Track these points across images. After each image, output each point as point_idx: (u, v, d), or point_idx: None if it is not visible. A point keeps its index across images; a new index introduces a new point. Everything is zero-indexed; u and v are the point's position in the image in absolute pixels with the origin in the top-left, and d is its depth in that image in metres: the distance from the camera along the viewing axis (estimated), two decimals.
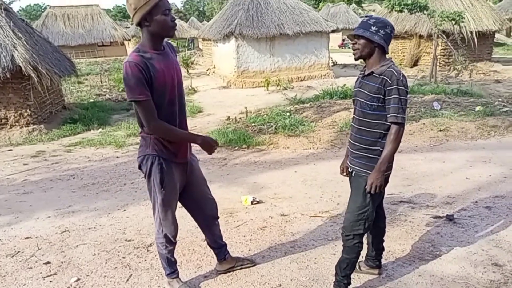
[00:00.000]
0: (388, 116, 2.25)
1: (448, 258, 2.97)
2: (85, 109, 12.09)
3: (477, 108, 7.83)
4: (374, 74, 2.29)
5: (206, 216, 2.69)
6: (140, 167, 2.40)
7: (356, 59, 2.43)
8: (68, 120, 10.55)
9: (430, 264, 2.91)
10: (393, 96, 2.22)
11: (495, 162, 5.26)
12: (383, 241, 2.75)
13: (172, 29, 2.24)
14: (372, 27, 2.24)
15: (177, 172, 2.41)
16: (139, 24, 2.19)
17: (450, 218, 3.60)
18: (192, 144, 2.52)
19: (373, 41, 2.24)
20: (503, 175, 4.76)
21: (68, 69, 11.10)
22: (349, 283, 2.51)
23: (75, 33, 28.52)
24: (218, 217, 2.76)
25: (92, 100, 13.87)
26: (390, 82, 2.22)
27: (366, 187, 2.31)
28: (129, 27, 39.44)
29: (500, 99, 9.17)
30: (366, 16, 2.33)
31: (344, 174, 2.66)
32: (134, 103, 2.20)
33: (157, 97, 2.22)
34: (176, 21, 2.37)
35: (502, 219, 3.57)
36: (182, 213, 2.81)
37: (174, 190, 2.43)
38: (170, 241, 2.53)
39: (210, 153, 2.43)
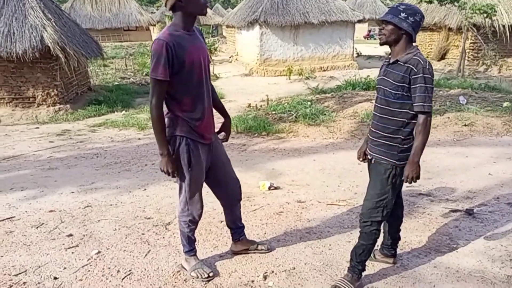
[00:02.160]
0: (414, 105, 2.23)
1: (465, 252, 2.94)
2: (110, 91, 12.33)
3: (505, 104, 7.61)
4: (399, 62, 2.27)
5: (229, 197, 2.74)
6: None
7: (381, 44, 2.39)
8: (93, 101, 10.79)
9: (446, 256, 2.89)
10: (419, 84, 2.19)
11: None
12: (399, 230, 2.75)
13: (204, 7, 2.30)
14: (401, 13, 2.21)
15: (203, 153, 2.46)
16: (172, 6, 2.23)
17: (469, 213, 3.54)
18: (214, 125, 2.57)
19: (401, 27, 2.21)
20: None
21: (95, 51, 11.31)
22: (364, 270, 2.52)
23: (102, 16, 28.86)
24: (240, 199, 2.80)
25: (116, 83, 14.10)
26: (416, 70, 2.19)
27: (390, 176, 2.32)
28: (154, 13, 39.70)
29: None
30: (397, 4, 2.29)
31: (361, 159, 2.66)
32: (150, 79, 2.26)
33: (185, 74, 2.27)
34: None
35: None
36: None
37: (201, 170, 2.48)
38: (194, 220, 2.58)
39: (161, 170, 2.38)
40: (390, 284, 2.58)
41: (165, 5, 2.28)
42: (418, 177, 2.28)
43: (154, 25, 31.19)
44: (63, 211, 3.83)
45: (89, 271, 2.77)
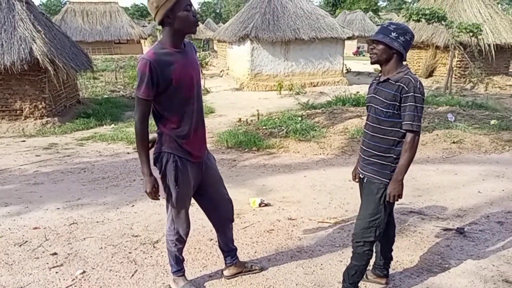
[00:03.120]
0: (403, 123, 2.23)
1: (457, 272, 2.92)
2: (99, 104, 12.23)
3: (492, 122, 7.72)
4: (390, 81, 2.27)
5: (221, 217, 2.67)
6: (154, 164, 2.39)
7: (372, 63, 2.40)
8: (81, 114, 10.68)
9: (438, 276, 2.86)
10: (409, 103, 2.19)
11: (509, 177, 5.16)
12: (391, 250, 2.72)
13: (194, 25, 2.25)
14: (392, 33, 2.22)
15: (192, 170, 2.41)
16: (161, 22, 2.19)
17: (460, 231, 3.54)
18: (207, 143, 2.53)
19: (392, 47, 2.22)
20: None
21: (84, 64, 11.25)
22: (378, 275, 2.48)
23: (92, 29, 28.88)
24: (233, 220, 2.73)
25: (106, 96, 14.02)
26: (407, 89, 2.19)
27: (382, 195, 2.30)
28: (146, 26, 39.87)
29: None
30: (387, 23, 2.31)
31: (357, 180, 2.63)
32: (136, 97, 2.24)
33: (172, 93, 2.22)
34: None
35: None
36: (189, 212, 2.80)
37: (188, 188, 2.43)
38: (181, 239, 2.52)
39: (146, 191, 2.33)
40: None
41: (154, 19, 2.25)
42: (400, 196, 2.27)
43: (145, 38, 31.30)
44: (48, 228, 3.72)
45: None
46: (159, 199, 2.41)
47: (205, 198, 2.59)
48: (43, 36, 9.43)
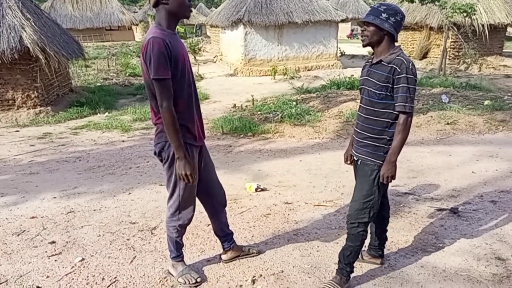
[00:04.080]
0: (396, 105, 2.23)
1: (451, 251, 2.97)
2: (92, 92, 12.11)
3: (486, 102, 7.76)
4: (382, 63, 2.26)
5: (214, 202, 2.69)
6: (159, 154, 2.35)
7: (364, 46, 2.39)
8: (75, 103, 10.57)
9: (432, 255, 2.91)
10: (401, 84, 2.19)
11: (502, 157, 5.22)
12: (386, 231, 2.76)
13: (188, 9, 2.24)
14: (382, 14, 2.20)
15: (196, 155, 2.42)
16: (156, 3, 2.17)
17: (454, 211, 3.59)
18: (203, 126, 2.54)
19: (382, 28, 2.21)
20: (509, 170, 4.73)
21: (76, 52, 11.07)
22: (352, 271, 2.52)
23: (83, 16, 28.36)
24: (225, 205, 2.75)
25: (99, 84, 13.87)
26: (399, 70, 2.19)
27: (376, 177, 2.31)
28: (137, 12, 39.23)
29: (509, 94, 9.07)
30: (377, 4, 2.29)
31: (348, 162, 2.65)
32: (154, 82, 2.14)
33: (179, 75, 2.22)
34: None
35: (506, 213, 3.56)
36: None
37: (196, 173, 2.41)
38: (183, 225, 2.53)
39: (179, 175, 2.27)
40: (378, 285, 2.59)
41: (149, 1, 2.22)
42: (393, 177, 2.29)
43: (137, 25, 30.82)
44: (45, 217, 3.73)
45: (73, 279, 2.70)
46: (195, 183, 2.38)
47: (199, 183, 2.60)
48: (33, 24, 9.25)
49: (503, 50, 17.74)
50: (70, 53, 10.46)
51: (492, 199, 3.88)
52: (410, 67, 2.19)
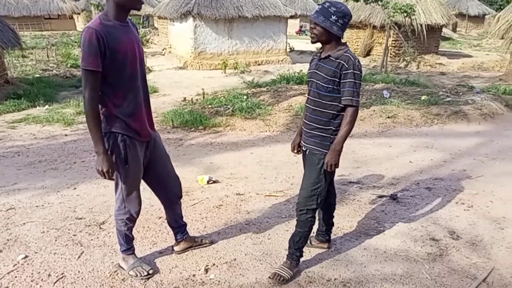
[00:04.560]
0: (343, 98, 2.35)
1: (391, 234, 3.20)
2: (30, 84, 11.36)
3: (423, 98, 8.30)
4: (331, 58, 2.37)
5: (169, 194, 2.68)
6: None
7: (312, 43, 2.49)
8: (11, 95, 9.87)
9: (374, 239, 3.11)
10: (348, 80, 2.31)
11: (437, 148, 5.64)
12: (333, 217, 2.91)
13: (138, 2, 2.20)
14: (332, 16, 2.28)
15: (140, 149, 2.38)
16: None
17: (394, 198, 3.85)
18: (153, 121, 2.51)
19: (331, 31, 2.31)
20: (443, 159, 5.13)
21: (11, 40, 10.33)
22: (301, 256, 2.64)
23: (18, 3, 26.43)
24: (181, 196, 2.75)
25: (37, 75, 13.04)
26: (347, 66, 2.31)
27: (323, 165, 2.42)
28: (78, 0, 37.24)
29: (443, 90, 9.76)
30: (326, 2, 2.36)
31: (295, 152, 2.76)
32: (81, 71, 2.13)
33: (117, 68, 2.17)
34: None
35: (440, 198, 3.88)
36: None
37: (139, 167, 2.41)
38: (131, 218, 2.51)
39: (97, 170, 2.23)
40: (326, 267, 2.73)
41: None
42: (337, 165, 2.41)
43: (79, 14, 29.28)
44: None
45: (16, 277, 2.58)
46: (113, 179, 2.34)
47: (153, 176, 2.59)
48: None
49: (439, 49, 19.01)
50: (5, 42, 9.76)
51: (428, 186, 4.20)
52: (357, 64, 2.32)
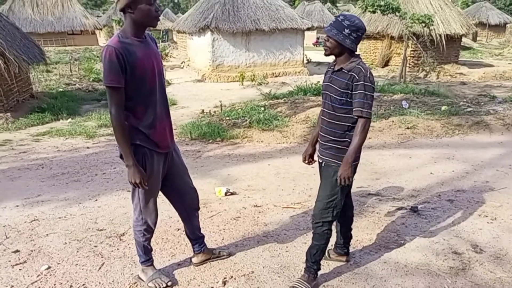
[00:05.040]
0: (353, 109, 2.35)
1: (411, 247, 3.14)
2: (54, 98, 11.72)
3: (443, 108, 8.17)
4: (343, 70, 2.38)
5: (187, 206, 2.71)
6: (121, 156, 2.37)
7: (326, 55, 2.51)
8: (36, 109, 10.20)
9: (394, 252, 3.06)
10: (359, 91, 2.32)
11: (458, 159, 5.53)
12: (351, 229, 2.88)
13: (155, 20, 2.26)
14: (345, 29, 2.30)
15: (159, 161, 2.43)
16: (122, 10, 2.19)
17: (414, 210, 3.78)
18: (173, 133, 2.56)
19: (344, 44, 2.33)
20: (465, 171, 5.03)
21: (37, 56, 10.71)
22: (319, 269, 2.62)
23: (43, 20, 27.42)
24: (198, 208, 2.79)
25: (61, 89, 13.44)
26: (358, 78, 2.31)
27: (336, 178, 2.41)
28: (100, 16, 38.38)
29: (464, 100, 9.60)
30: (340, 15, 2.38)
31: (306, 162, 2.77)
32: (106, 88, 2.21)
33: (137, 83, 2.23)
34: None
35: (462, 211, 3.79)
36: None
37: (157, 178, 2.45)
38: (149, 229, 2.54)
39: (130, 182, 2.31)
40: (344, 281, 2.70)
41: (116, 5, 2.24)
42: (349, 178, 2.37)
43: (101, 29, 30.16)
44: (7, 226, 3.60)
45: (39, 287, 2.63)
46: (146, 188, 2.39)
47: (171, 188, 2.63)
48: None
49: (459, 59, 18.73)
50: (31, 58, 10.11)
51: (449, 198, 4.12)
52: (368, 75, 2.32)
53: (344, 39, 2.31)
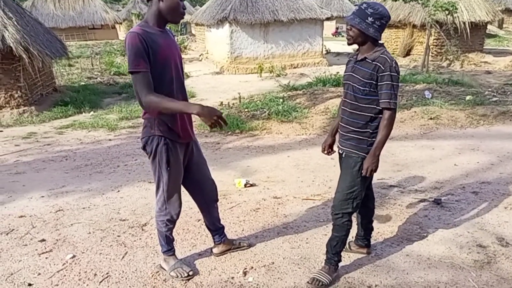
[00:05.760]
0: (380, 101, 2.30)
1: (434, 240, 3.07)
2: (76, 92, 11.98)
3: (467, 98, 7.95)
4: (367, 60, 2.33)
5: (206, 198, 2.73)
6: (144, 148, 2.40)
7: (349, 44, 2.46)
8: (59, 103, 10.46)
9: (417, 244, 3.01)
10: (385, 82, 2.27)
11: (483, 150, 5.38)
12: (372, 221, 2.84)
13: (180, 16, 2.27)
14: (368, 17, 2.24)
15: (181, 152, 2.44)
16: None
17: (437, 202, 3.70)
18: (192, 124, 2.57)
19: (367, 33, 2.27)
20: (490, 162, 4.89)
21: (59, 51, 10.95)
22: (340, 260, 2.60)
23: (65, 15, 27.95)
24: (217, 200, 2.80)
25: (83, 83, 13.72)
26: (383, 68, 2.26)
27: (360, 168, 2.38)
28: (120, 11, 38.77)
29: (490, 89, 9.31)
30: (364, 3, 2.32)
31: (325, 152, 2.74)
32: (132, 75, 2.17)
33: (159, 71, 2.23)
34: None
35: (487, 203, 3.69)
36: None
37: (180, 169, 2.47)
38: (172, 220, 2.57)
39: (210, 125, 2.13)
40: (366, 273, 2.67)
41: None
42: (375, 170, 2.37)
43: (121, 23, 30.52)
44: (33, 216, 3.71)
45: (64, 275, 2.71)
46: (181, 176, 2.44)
47: (190, 179, 2.64)
48: (15, 23, 9.11)
49: (484, 47, 18.15)
50: (53, 52, 10.34)
51: (474, 190, 4.01)
52: (394, 65, 2.26)
53: (368, 27, 2.25)
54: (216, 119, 2.12)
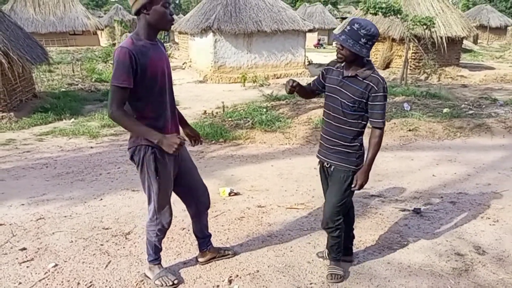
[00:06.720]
0: (373, 120, 2.40)
1: (414, 248, 3.17)
2: (57, 98, 11.75)
3: (445, 110, 8.21)
4: (358, 78, 2.38)
5: (198, 204, 2.74)
6: (132, 158, 2.41)
7: (340, 63, 2.48)
8: (39, 109, 10.23)
9: (398, 253, 3.09)
10: (378, 102, 2.36)
11: (460, 161, 5.56)
12: (353, 229, 2.93)
13: (169, 23, 2.30)
14: (362, 39, 2.28)
15: (169, 161, 2.45)
16: (137, 12, 2.22)
17: (417, 212, 3.81)
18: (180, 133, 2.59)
19: (359, 54, 2.31)
20: (467, 173, 5.06)
21: (40, 56, 10.75)
22: (343, 254, 2.78)
23: (45, 20, 27.48)
24: (209, 207, 2.82)
25: (63, 89, 13.47)
26: (377, 89, 2.34)
27: (350, 182, 2.49)
28: (102, 17, 38.44)
29: (466, 103, 9.63)
30: (355, 23, 2.29)
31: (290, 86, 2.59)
32: (111, 86, 2.21)
33: (148, 84, 2.27)
34: None
35: (465, 213, 3.82)
36: None
37: (169, 178, 2.48)
38: (163, 229, 2.58)
39: (171, 152, 2.26)
40: (349, 281, 2.73)
41: (131, 8, 2.27)
42: (365, 184, 2.52)
43: (102, 30, 30.20)
44: (13, 224, 3.63)
45: (47, 284, 2.67)
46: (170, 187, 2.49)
47: (183, 186, 2.66)
48: None
49: (460, 61, 18.76)
50: (34, 58, 10.14)
51: (452, 200, 4.15)
52: (385, 86, 2.37)
53: (361, 49, 2.30)
54: (177, 148, 2.23)
